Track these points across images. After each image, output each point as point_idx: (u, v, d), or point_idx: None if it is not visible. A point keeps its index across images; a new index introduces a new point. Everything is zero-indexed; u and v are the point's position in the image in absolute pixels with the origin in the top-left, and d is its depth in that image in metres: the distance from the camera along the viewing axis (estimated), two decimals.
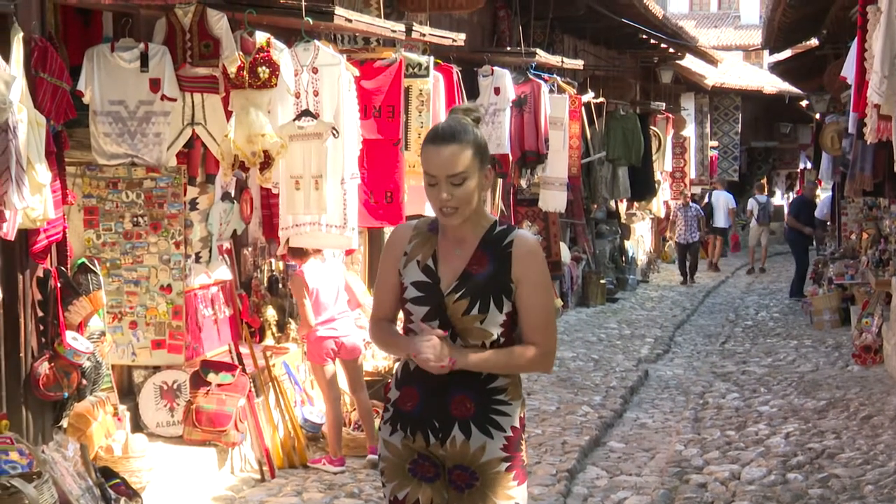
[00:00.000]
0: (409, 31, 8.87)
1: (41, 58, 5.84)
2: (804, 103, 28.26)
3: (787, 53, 21.71)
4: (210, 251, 8.03)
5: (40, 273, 6.16)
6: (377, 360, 9.12)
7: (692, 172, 25.39)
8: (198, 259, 7.85)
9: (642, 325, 15.70)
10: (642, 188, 19.65)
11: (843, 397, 9.96)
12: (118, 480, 6.09)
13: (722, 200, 24.37)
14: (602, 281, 17.64)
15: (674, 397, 10.81)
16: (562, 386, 10.88)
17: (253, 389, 7.68)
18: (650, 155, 19.52)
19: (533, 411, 9.60)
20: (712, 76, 26.26)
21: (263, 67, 6.96)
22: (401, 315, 3.82)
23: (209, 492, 7.03)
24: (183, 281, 7.07)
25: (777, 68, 23.46)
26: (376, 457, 4.04)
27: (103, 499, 5.82)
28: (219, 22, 6.80)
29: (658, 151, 20.66)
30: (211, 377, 7.28)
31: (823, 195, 19.96)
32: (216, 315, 8.00)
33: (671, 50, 21.18)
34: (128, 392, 7.40)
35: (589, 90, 16.86)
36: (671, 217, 22.32)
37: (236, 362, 7.71)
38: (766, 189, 26.60)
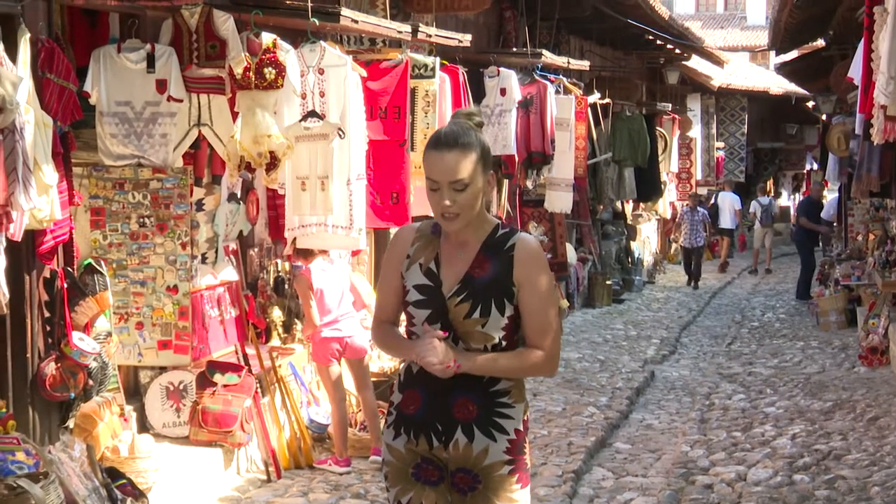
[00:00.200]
0: (415, 31, 8.88)
1: (48, 59, 5.85)
2: (810, 104, 28.23)
3: (793, 54, 21.69)
4: (216, 252, 8.04)
5: (47, 274, 6.17)
6: (383, 360, 9.12)
7: (698, 173, 25.38)
8: (204, 260, 7.86)
9: (648, 326, 15.69)
10: (648, 189, 19.64)
11: (850, 399, 9.95)
12: (124, 481, 6.10)
13: (728, 202, 24.36)
14: (608, 282, 17.63)
15: (680, 398, 10.80)
16: (568, 387, 10.88)
17: (259, 390, 7.69)
18: (656, 156, 19.51)
19: (539, 412, 9.60)
20: (718, 77, 26.24)
21: (270, 68, 6.97)
22: (403, 318, 3.82)
23: (215, 492, 7.04)
24: (189, 282, 7.07)
25: (783, 69, 23.44)
26: (379, 458, 4.03)
27: (109, 499, 5.83)
28: (225, 23, 6.80)
29: (664, 152, 20.65)
30: (217, 378, 7.28)
31: (830, 196, 19.91)
32: (222, 316, 8.01)
33: (677, 51, 21.17)
34: (134, 393, 7.41)
35: (595, 91, 16.86)
36: (677, 219, 22.23)
37: (242, 363, 7.72)
38: (770, 191, 26.58)
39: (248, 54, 6.91)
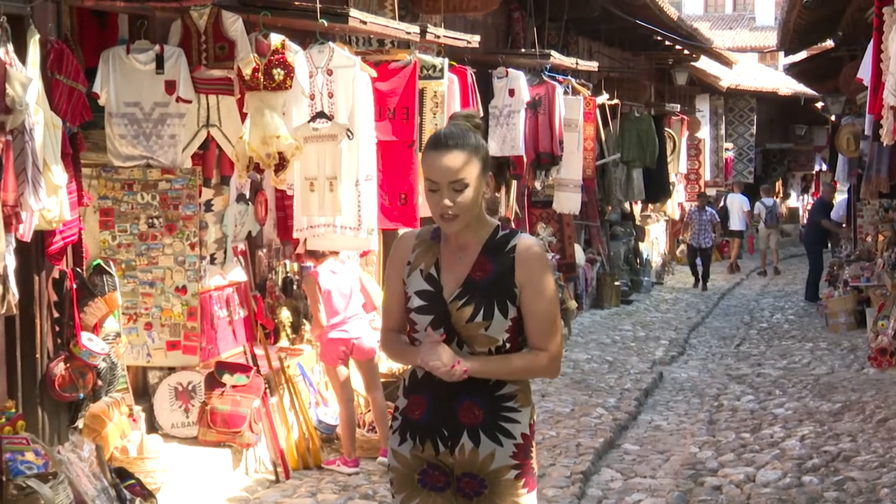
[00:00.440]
0: (423, 32, 8.88)
1: (57, 60, 5.87)
2: (819, 105, 28.19)
3: (802, 55, 21.65)
4: (225, 252, 8.06)
5: (56, 274, 6.18)
6: (392, 361, 9.12)
7: (707, 174, 25.35)
8: (213, 260, 7.87)
9: (657, 327, 15.67)
10: (657, 190, 19.61)
11: (859, 400, 9.92)
12: (133, 481, 6.11)
13: (737, 203, 24.34)
14: (616, 283, 17.61)
15: (688, 399, 10.79)
16: (576, 388, 10.87)
17: (267, 391, 7.69)
18: (665, 157, 19.49)
19: (547, 413, 9.59)
20: (727, 78, 26.22)
21: (278, 69, 6.98)
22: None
23: (224, 493, 7.05)
24: (198, 282, 7.08)
25: (792, 70, 23.41)
26: (386, 459, 4.02)
27: (118, 499, 5.84)
28: (234, 24, 6.81)
29: (673, 153, 20.62)
30: (226, 378, 7.29)
31: (839, 197, 19.86)
32: (231, 316, 8.02)
33: (686, 51, 21.15)
34: (143, 393, 7.42)
35: (603, 92, 16.85)
36: (685, 219, 22.16)
37: (251, 364, 7.73)
38: (779, 192, 26.52)
39: (256, 55, 6.91)
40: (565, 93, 13.44)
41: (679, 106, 21.86)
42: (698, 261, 20.89)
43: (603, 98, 16.26)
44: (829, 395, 10.35)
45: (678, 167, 21.67)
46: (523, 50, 13.50)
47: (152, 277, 7.02)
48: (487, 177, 3.61)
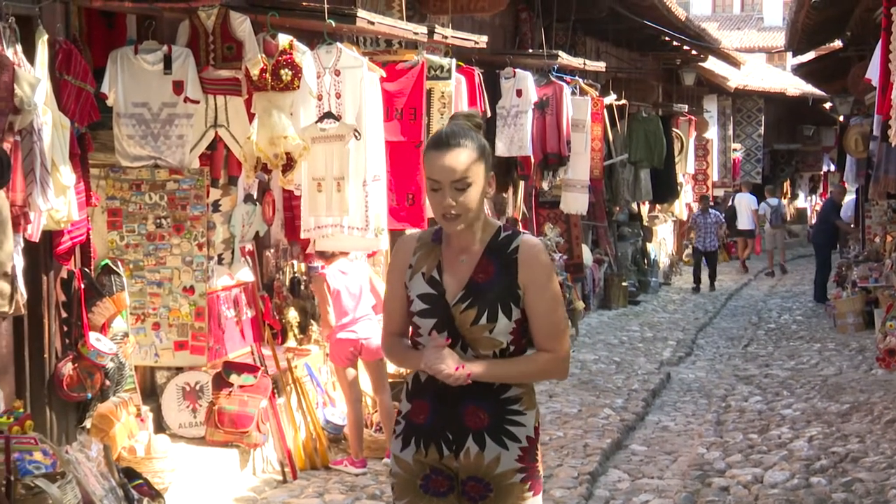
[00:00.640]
0: (431, 33, 8.88)
1: (65, 60, 5.88)
2: (828, 105, 28.15)
3: (810, 55, 21.61)
4: (232, 253, 8.06)
5: (64, 274, 6.20)
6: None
7: (715, 175, 25.31)
8: (220, 261, 7.87)
9: (664, 328, 15.66)
10: (664, 190, 19.59)
11: (867, 401, 9.91)
12: (141, 481, 6.11)
13: (745, 203, 24.31)
14: (624, 283, 17.60)
15: (696, 400, 10.77)
16: (583, 388, 10.86)
17: (275, 391, 7.70)
18: (672, 157, 19.47)
19: (554, 414, 9.59)
20: (735, 78, 26.18)
21: (286, 70, 6.98)
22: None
23: (231, 493, 7.05)
24: (205, 282, 7.09)
25: (800, 70, 23.36)
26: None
27: (126, 499, 5.84)
28: (242, 24, 6.82)
29: (680, 154, 20.60)
30: (233, 378, 7.30)
31: (847, 198, 19.82)
32: (238, 316, 8.03)
33: (694, 52, 21.13)
34: (150, 393, 7.43)
35: (611, 92, 16.84)
36: (689, 223, 22.01)
37: (258, 364, 7.73)
38: (786, 192, 26.47)
39: (264, 56, 6.92)
40: (573, 93, 13.44)
41: (687, 106, 21.82)
42: (704, 263, 20.74)
43: (610, 98, 16.24)
44: (837, 396, 10.33)
45: (686, 168, 21.63)
46: (531, 50, 13.50)
47: (160, 277, 7.03)
48: (490, 176, 3.58)
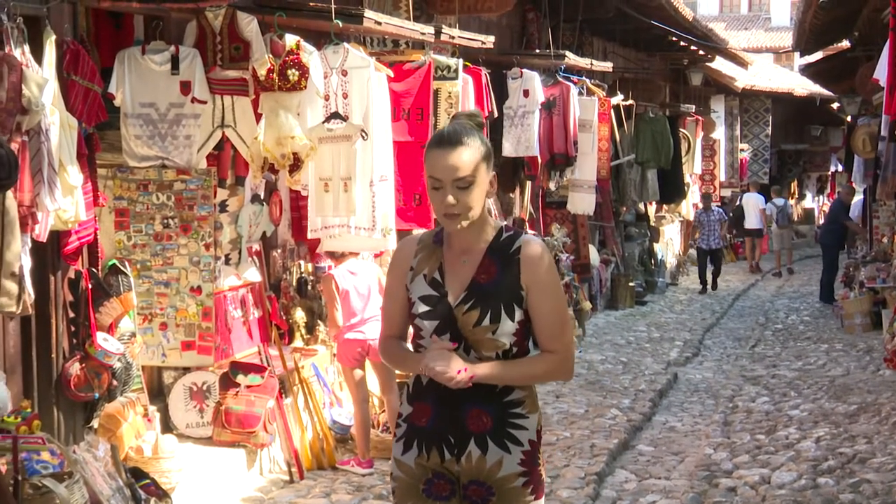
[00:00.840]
0: (438, 33, 8.88)
1: (73, 61, 5.89)
2: (835, 106, 28.10)
3: (818, 55, 21.59)
4: (239, 253, 8.07)
5: (72, 274, 6.21)
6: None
7: (722, 175, 25.29)
8: (227, 261, 7.88)
9: (671, 328, 15.64)
10: (671, 191, 19.57)
11: (875, 402, 9.88)
12: (148, 481, 6.12)
13: (752, 202, 24.28)
14: (631, 283, 17.58)
15: (703, 401, 10.76)
16: (590, 389, 10.86)
17: (282, 391, 7.71)
18: (679, 157, 19.46)
19: (561, 414, 9.58)
20: (742, 78, 26.14)
21: (293, 70, 6.99)
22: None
23: (238, 493, 7.06)
24: (212, 283, 7.10)
25: (808, 70, 23.34)
26: None
27: (133, 499, 5.86)
28: (249, 25, 6.83)
29: (687, 154, 20.58)
30: (240, 378, 7.30)
31: (855, 198, 19.78)
32: (245, 317, 8.04)
33: (701, 52, 21.10)
34: (158, 393, 7.44)
35: (618, 92, 16.83)
36: (693, 222, 21.88)
37: (265, 364, 7.74)
38: (793, 192, 26.42)
39: (271, 56, 6.93)
40: (580, 93, 13.43)
41: (694, 106, 21.81)
42: (709, 264, 20.60)
43: (618, 99, 16.23)
44: (844, 396, 10.31)
45: (693, 168, 21.62)
46: (538, 50, 13.49)
47: (167, 278, 7.04)
48: (492, 176, 3.56)
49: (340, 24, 7.45)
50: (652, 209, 20.79)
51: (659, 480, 7.68)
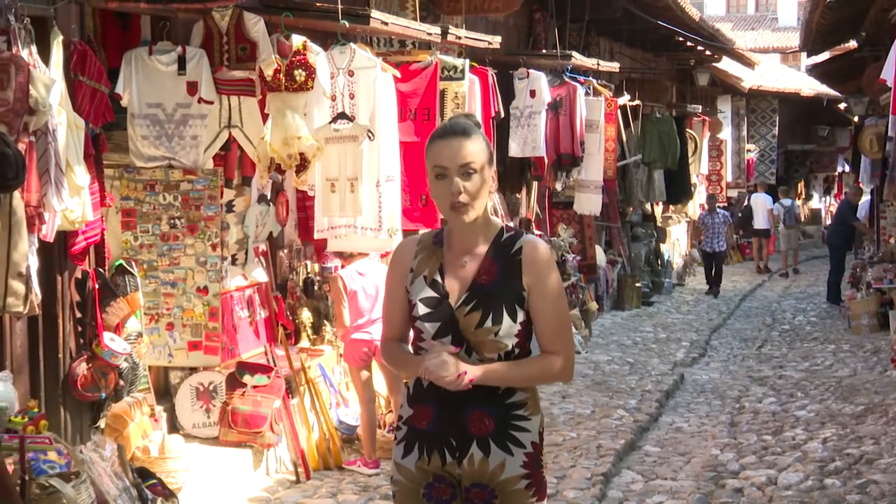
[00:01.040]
0: (444, 33, 8.88)
1: (80, 61, 5.90)
2: (842, 106, 28.04)
3: (825, 56, 21.55)
4: (246, 253, 8.07)
5: (79, 274, 6.22)
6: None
7: (729, 175, 25.25)
8: (234, 261, 7.89)
9: (678, 329, 15.63)
10: (678, 191, 19.55)
11: (882, 402, 9.87)
12: (155, 481, 6.13)
13: (760, 202, 24.26)
14: (637, 284, 17.57)
15: (710, 401, 10.75)
16: (597, 389, 10.85)
17: (288, 391, 7.71)
18: (686, 158, 19.43)
19: (568, 414, 9.57)
20: (749, 79, 26.12)
21: (300, 70, 6.99)
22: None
23: (245, 493, 7.06)
24: (219, 283, 7.10)
25: (815, 70, 23.31)
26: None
27: (140, 499, 5.86)
28: (256, 25, 6.83)
29: (694, 154, 20.55)
30: (247, 379, 7.30)
31: (862, 199, 19.74)
32: (252, 317, 8.04)
33: (708, 52, 21.08)
34: (164, 393, 7.44)
35: (625, 93, 16.82)
36: (697, 224, 21.69)
37: (272, 364, 7.74)
38: (800, 193, 26.37)
39: (278, 56, 6.93)
40: (586, 94, 13.42)
41: (701, 107, 21.79)
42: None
43: (624, 99, 16.22)
44: (851, 397, 10.30)
45: (700, 168, 21.58)
46: (544, 51, 13.49)
47: (174, 278, 7.05)
48: (493, 172, 3.55)
49: (347, 24, 7.46)
50: (658, 210, 20.76)
51: (665, 481, 7.67)
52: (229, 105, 7.08)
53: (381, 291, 7.91)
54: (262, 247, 8.38)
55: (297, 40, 7.07)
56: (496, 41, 10.19)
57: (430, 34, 8.62)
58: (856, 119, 21.82)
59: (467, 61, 9.35)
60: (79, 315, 6.21)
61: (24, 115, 5.19)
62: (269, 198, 8.31)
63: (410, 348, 3.67)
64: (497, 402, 3.51)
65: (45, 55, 5.59)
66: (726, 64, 23.85)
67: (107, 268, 6.45)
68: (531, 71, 11.90)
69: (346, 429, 8.30)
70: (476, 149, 3.47)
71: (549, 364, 3.53)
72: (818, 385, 11.17)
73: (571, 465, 7.90)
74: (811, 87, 28.78)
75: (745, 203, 25.52)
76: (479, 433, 3.50)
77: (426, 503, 3.58)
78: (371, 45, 8.85)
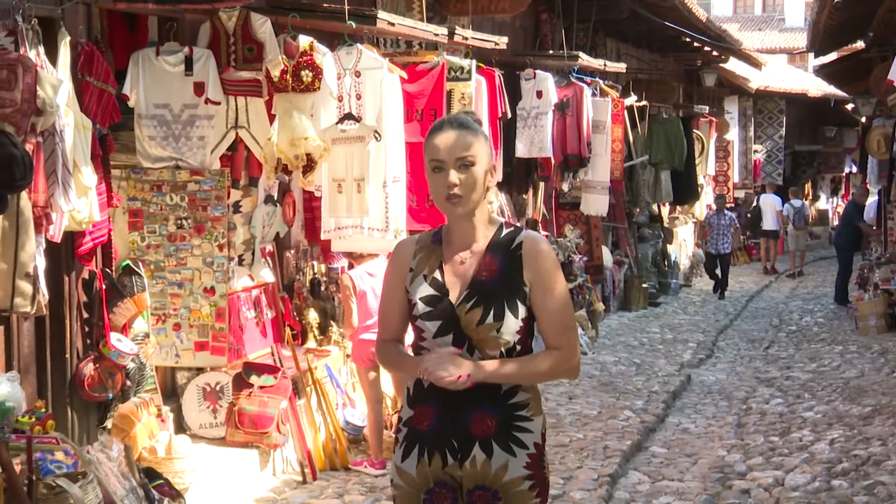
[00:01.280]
0: (451, 34, 8.88)
1: (87, 62, 5.90)
2: (850, 107, 28.02)
3: (832, 56, 21.52)
4: (253, 254, 8.09)
5: (86, 275, 6.22)
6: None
7: (735, 176, 25.22)
8: (241, 262, 7.90)
9: (685, 330, 15.61)
10: (685, 192, 19.53)
11: (890, 404, 9.84)
12: (161, 481, 6.13)
13: (770, 203, 24.23)
14: (644, 285, 17.55)
15: (716, 402, 10.74)
16: (603, 390, 10.84)
17: (295, 392, 7.71)
18: (693, 158, 19.41)
19: (574, 415, 9.57)
20: (756, 79, 26.07)
21: (306, 71, 6.99)
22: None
23: (251, 493, 7.07)
24: (226, 283, 7.11)
25: (822, 71, 23.27)
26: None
27: (147, 499, 5.87)
28: (262, 26, 6.84)
29: (701, 155, 20.53)
30: (253, 379, 7.31)
31: (869, 199, 19.72)
32: (259, 317, 8.05)
33: (715, 53, 21.06)
34: (171, 393, 7.45)
35: (632, 93, 16.80)
36: (703, 224, 21.60)
37: (278, 365, 7.75)
38: (808, 194, 26.33)
39: (285, 57, 6.94)
40: (593, 94, 13.42)
41: (707, 107, 21.75)
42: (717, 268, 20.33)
43: (631, 100, 16.21)
44: (858, 398, 10.27)
45: (706, 169, 21.56)
46: (551, 51, 13.48)
47: (181, 278, 7.05)
48: (491, 167, 3.53)
49: (354, 25, 7.46)
50: (665, 210, 20.74)
51: (672, 482, 7.66)
52: (236, 106, 7.09)
53: None
54: (269, 247, 8.39)
55: (304, 41, 7.07)
56: (503, 42, 10.18)
57: (436, 35, 8.62)
58: (863, 120, 21.81)
59: (474, 62, 9.35)
60: (86, 315, 6.22)
61: (32, 116, 5.20)
62: (275, 198, 8.32)
63: (410, 350, 3.65)
64: (500, 403, 3.49)
65: (52, 56, 5.60)
66: (733, 64, 23.82)
67: (114, 268, 6.45)
68: (538, 72, 11.89)
69: (352, 429, 8.30)
70: (473, 142, 3.46)
71: (555, 360, 3.50)
72: (825, 386, 11.14)
73: (578, 466, 7.89)
74: (818, 87, 28.73)
75: (754, 204, 25.49)
76: (482, 434, 3.47)
77: None
78: (378, 45, 8.85)
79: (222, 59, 6.88)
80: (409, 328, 3.66)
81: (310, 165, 7.24)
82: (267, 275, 8.23)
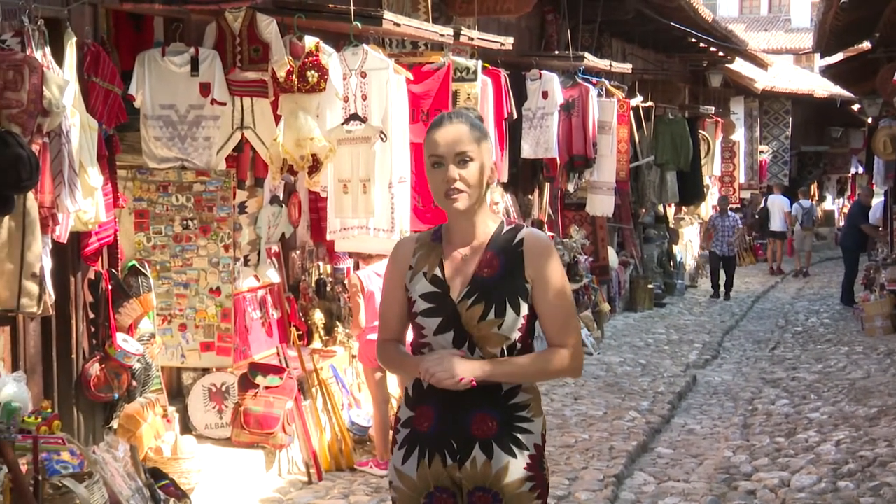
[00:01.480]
0: (457, 35, 8.88)
1: (94, 62, 5.91)
2: (856, 107, 27.97)
3: (838, 57, 21.50)
4: (258, 254, 8.09)
5: (91, 275, 6.23)
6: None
7: (741, 177, 25.20)
8: (246, 262, 7.90)
9: (690, 331, 15.60)
10: (691, 192, 19.50)
11: (895, 405, 9.84)
12: (167, 481, 6.14)
13: (777, 204, 24.20)
14: (650, 286, 17.54)
15: (722, 403, 10.73)
16: (609, 391, 10.83)
17: (300, 392, 7.72)
18: (699, 159, 19.38)
19: (580, 416, 9.56)
20: (762, 80, 26.05)
21: (312, 71, 7.00)
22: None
23: (257, 493, 7.07)
24: (232, 284, 7.11)
25: (828, 72, 23.25)
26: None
27: (153, 499, 5.87)
28: (268, 26, 6.84)
29: (707, 155, 20.50)
30: (259, 380, 7.32)
31: (875, 200, 19.69)
32: (264, 318, 8.05)
33: (720, 53, 21.04)
34: (177, 394, 7.46)
35: (637, 94, 16.79)
36: (707, 225, 21.48)
37: (284, 365, 7.75)
38: (815, 195, 26.30)
39: (290, 57, 6.94)
40: (599, 95, 13.42)
41: (713, 108, 21.74)
42: (721, 270, 20.02)
43: (637, 100, 16.20)
44: (865, 399, 10.26)
45: (712, 170, 21.53)
46: (557, 52, 13.48)
47: (187, 279, 7.06)
48: (492, 163, 3.52)
49: (360, 25, 7.46)
50: (671, 211, 20.72)
51: (678, 483, 7.66)
52: (242, 106, 7.09)
53: None
54: (275, 248, 8.39)
55: (310, 41, 7.08)
56: (508, 42, 10.18)
57: (442, 35, 8.62)
58: (869, 120, 21.79)
59: (480, 62, 9.35)
60: (92, 316, 6.23)
61: (38, 117, 5.20)
62: (281, 199, 8.32)
63: (409, 350, 3.63)
64: (500, 404, 3.47)
65: (58, 56, 5.61)
66: (739, 65, 23.80)
67: (120, 269, 6.46)
68: (544, 72, 11.89)
69: (357, 430, 8.30)
70: (472, 135, 3.44)
71: (557, 358, 3.48)
72: (831, 387, 11.13)
73: (583, 467, 7.89)
74: (824, 88, 28.70)
75: (762, 205, 25.46)
76: (482, 435, 3.45)
77: None
78: (383, 46, 8.85)
79: (228, 59, 6.88)
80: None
81: (315, 166, 7.24)
82: (273, 275, 8.23)
